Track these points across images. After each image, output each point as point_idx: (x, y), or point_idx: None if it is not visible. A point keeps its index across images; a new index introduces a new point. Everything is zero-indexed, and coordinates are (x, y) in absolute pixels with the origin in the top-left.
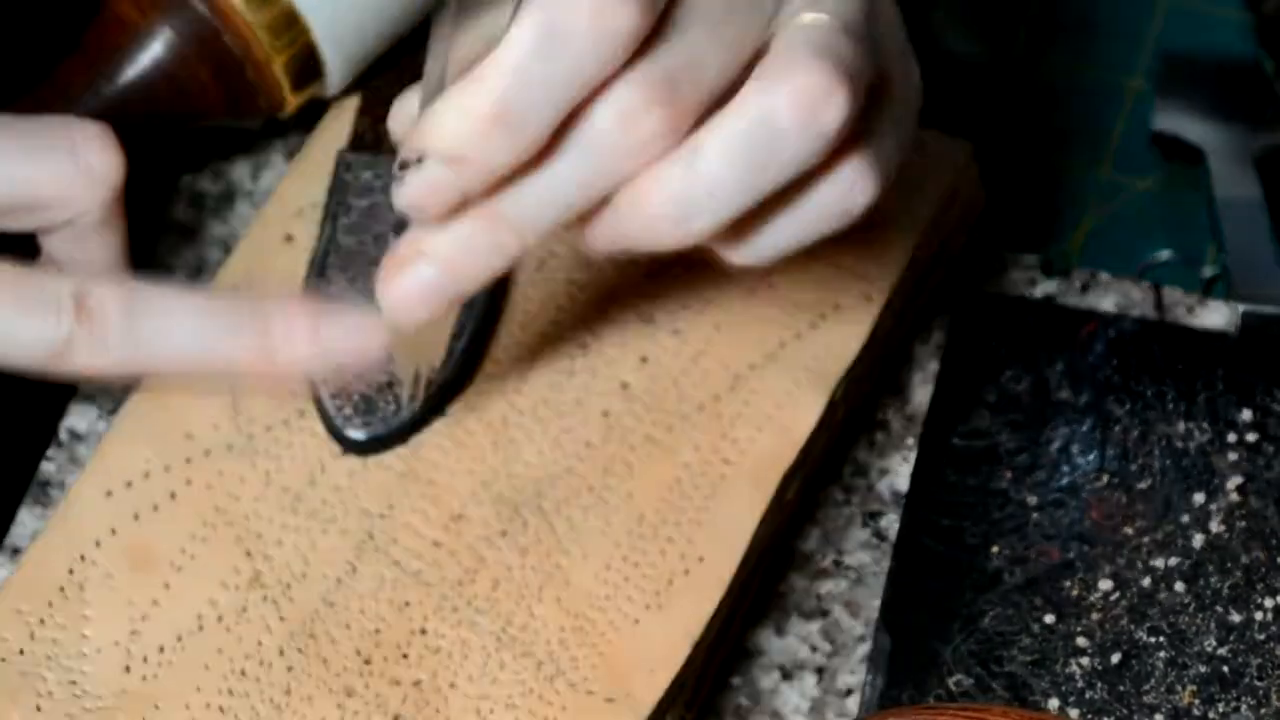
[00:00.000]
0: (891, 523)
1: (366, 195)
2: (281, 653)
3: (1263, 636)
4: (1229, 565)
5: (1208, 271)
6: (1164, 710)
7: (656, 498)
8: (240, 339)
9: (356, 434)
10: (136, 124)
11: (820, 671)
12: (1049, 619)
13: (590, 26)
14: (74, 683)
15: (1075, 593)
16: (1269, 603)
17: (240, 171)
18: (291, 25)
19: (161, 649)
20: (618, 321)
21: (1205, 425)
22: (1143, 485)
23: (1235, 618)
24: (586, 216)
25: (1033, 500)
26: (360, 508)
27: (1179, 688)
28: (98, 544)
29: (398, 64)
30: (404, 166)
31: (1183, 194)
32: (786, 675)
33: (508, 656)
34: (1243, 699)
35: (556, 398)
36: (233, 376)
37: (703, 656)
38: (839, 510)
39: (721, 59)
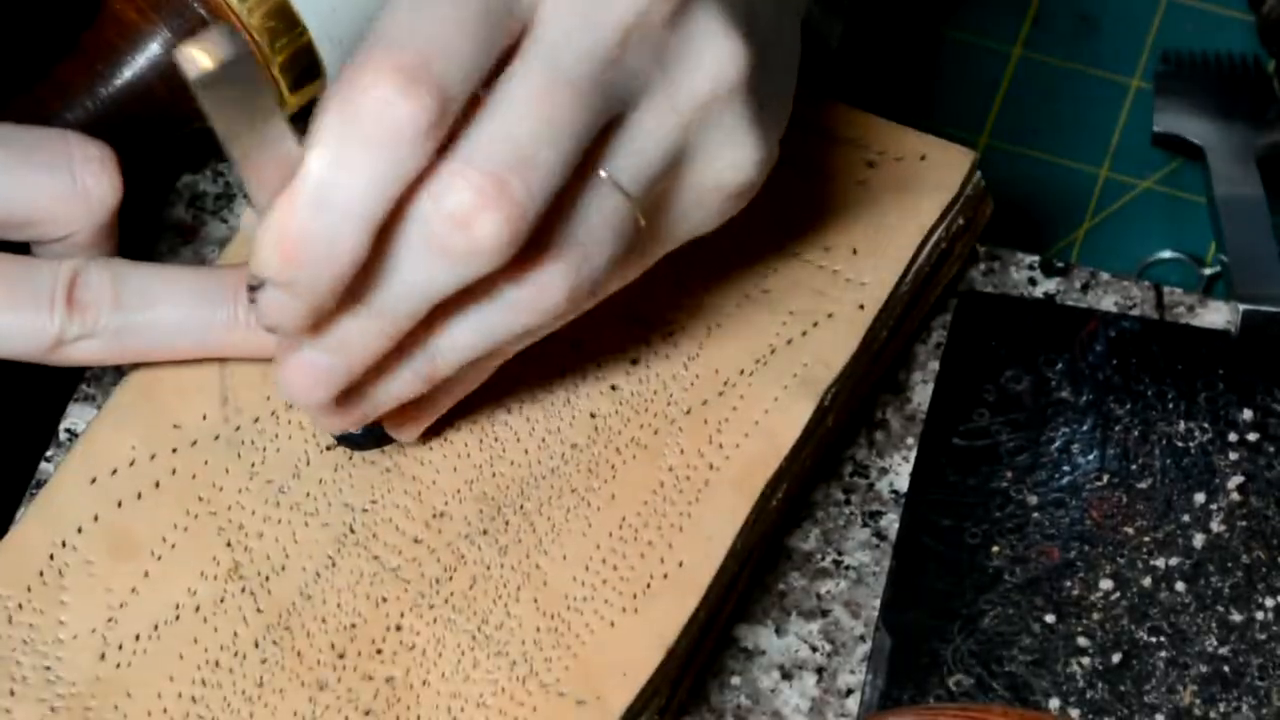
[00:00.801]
0: (891, 522)
1: None
2: (256, 644)
3: (1263, 636)
4: (1230, 565)
5: (1208, 271)
6: (1165, 710)
7: (639, 501)
8: (226, 320)
9: (352, 430)
10: (134, 124)
11: (820, 671)
12: (1049, 619)
13: (379, 125)
14: (48, 668)
15: (1076, 592)
16: (1270, 602)
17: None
18: (289, 26)
19: (137, 637)
20: (610, 322)
21: (1206, 425)
22: (1143, 485)
23: (1236, 617)
24: None
25: (1033, 500)
26: (343, 502)
27: (1180, 687)
28: (80, 530)
29: None
30: (251, 288)
31: (1183, 194)
32: (786, 675)
33: (481, 655)
34: (1243, 699)
35: (545, 398)
36: (227, 352)
37: (678, 662)
38: (839, 510)
39: (551, 164)
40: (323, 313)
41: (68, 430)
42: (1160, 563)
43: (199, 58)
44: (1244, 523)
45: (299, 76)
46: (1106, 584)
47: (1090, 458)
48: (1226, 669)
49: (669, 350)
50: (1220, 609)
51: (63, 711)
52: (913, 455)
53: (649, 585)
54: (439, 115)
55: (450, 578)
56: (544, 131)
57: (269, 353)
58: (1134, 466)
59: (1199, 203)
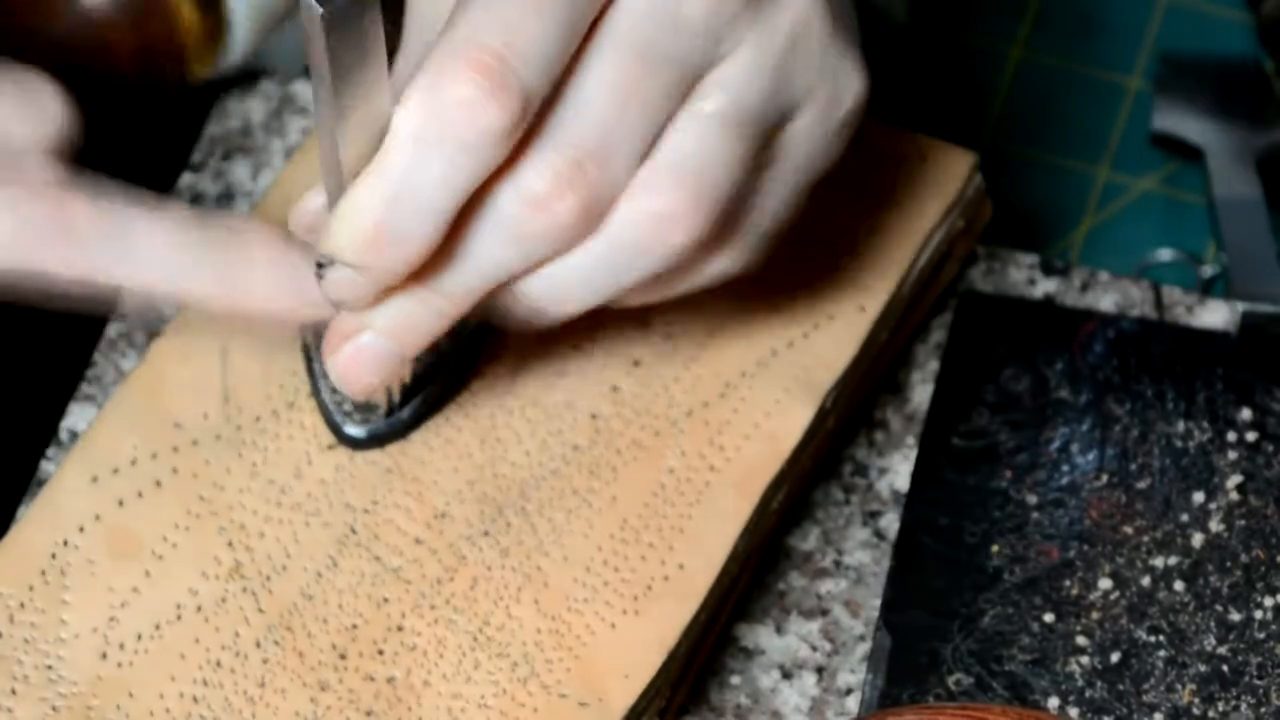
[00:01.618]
0: (891, 522)
1: None
2: (258, 644)
3: (1262, 635)
4: (1228, 564)
5: (1208, 271)
6: (1164, 709)
7: (640, 503)
8: (218, 274)
9: (355, 431)
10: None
11: (820, 671)
12: (1049, 618)
13: (462, 129)
14: (50, 667)
15: (1075, 592)
16: (1269, 601)
17: (240, 171)
18: None
19: (139, 637)
20: (612, 324)
21: (1205, 424)
22: (1142, 484)
23: (1235, 616)
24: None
25: (1032, 499)
26: (344, 502)
27: (1179, 686)
28: (81, 529)
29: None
30: (320, 265)
31: (1183, 194)
32: (786, 675)
33: (483, 656)
34: (1242, 698)
35: (546, 399)
36: (209, 304)
37: (679, 664)
38: (839, 510)
39: (630, 140)
40: (388, 290)
41: (68, 430)
42: (1159, 562)
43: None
44: (1243, 522)
45: (210, 36)
46: (1105, 583)
47: (1089, 457)
48: (1225, 668)
49: (670, 352)
50: (1219, 608)
51: (64, 711)
52: (912, 455)
53: (650, 587)
54: (521, 115)
55: (451, 578)
56: (624, 112)
57: (249, 316)
58: (1133, 466)
59: (1198, 203)
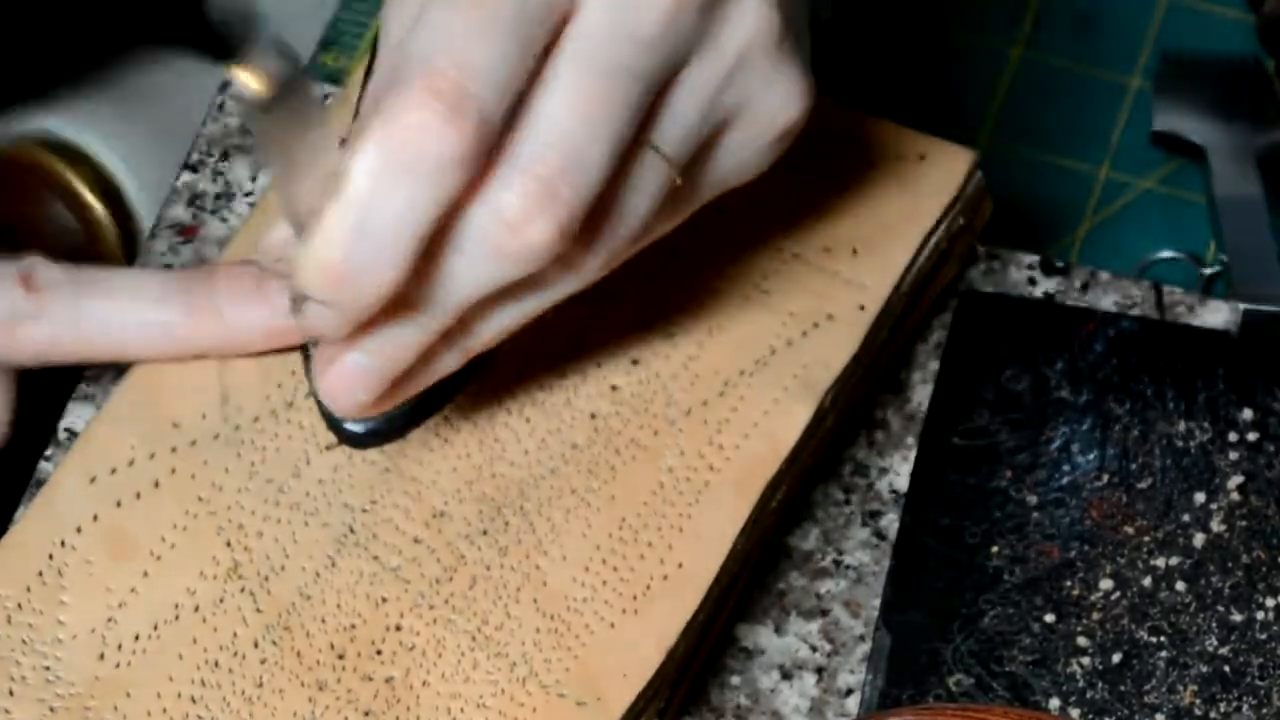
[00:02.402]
0: (891, 522)
1: None
2: (256, 644)
3: (1264, 636)
4: (1230, 564)
5: (1208, 270)
6: (1165, 710)
7: (639, 502)
8: (187, 307)
9: (354, 427)
10: None
11: (820, 671)
12: (1049, 618)
13: (420, 155)
14: (48, 668)
15: (1076, 592)
16: (1270, 602)
17: (240, 171)
18: None
19: (137, 637)
20: (611, 322)
21: (1206, 424)
22: (1143, 484)
23: (1236, 617)
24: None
25: (1033, 499)
26: (343, 502)
27: (1180, 687)
28: (79, 530)
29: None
30: (295, 300)
31: (1183, 193)
32: (786, 675)
33: (481, 656)
34: (1244, 699)
35: (545, 398)
36: (186, 352)
37: (678, 663)
38: (839, 510)
39: (599, 157)
40: (365, 320)
41: (67, 430)
42: (1160, 562)
43: (252, 81)
44: (1244, 522)
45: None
46: (1106, 584)
47: (1090, 457)
48: (1227, 669)
49: (669, 351)
50: (1220, 609)
51: (62, 712)
52: (912, 455)
53: (649, 586)
54: (481, 139)
55: (450, 578)
56: (591, 130)
57: (230, 351)
58: (1134, 466)
59: (1199, 202)
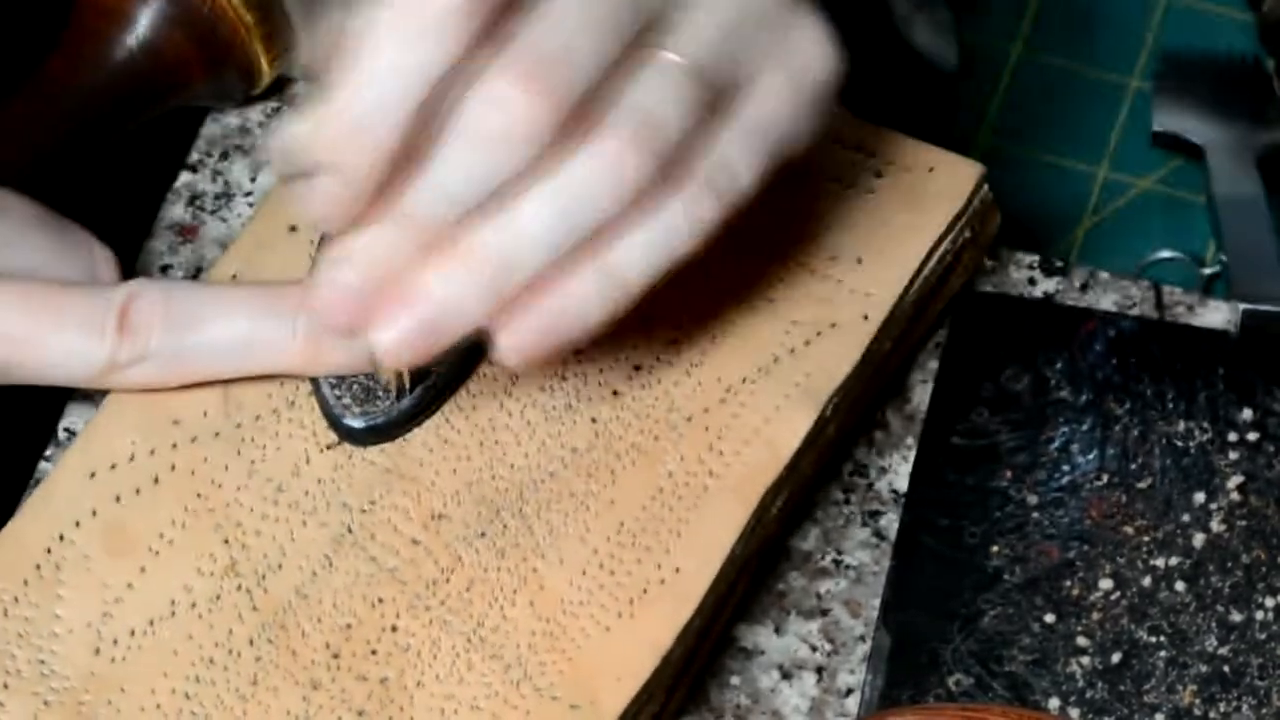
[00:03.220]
0: (891, 522)
1: None
2: (251, 642)
3: (1263, 636)
4: (1229, 564)
5: (1208, 270)
6: (1165, 710)
7: (638, 507)
8: (279, 330)
9: (354, 422)
10: (124, 105)
11: (820, 671)
12: (1049, 618)
13: (422, 6)
14: (43, 662)
15: (1075, 592)
16: (1270, 602)
17: (240, 171)
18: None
19: (132, 633)
20: (614, 327)
21: (1205, 424)
22: (1143, 484)
23: (1236, 617)
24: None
25: (1032, 499)
26: (341, 501)
27: (1180, 687)
28: (77, 524)
29: None
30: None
31: (1183, 193)
32: (786, 675)
33: (476, 658)
34: (1244, 699)
35: (547, 401)
36: (282, 370)
37: (673, 669)
38: (839, 510)
39: (594, 49)
40: (364, 202)
41: (67, 429)
42: (1160, 562)
43: None
44: (1244, 522)
45: (272, 39)
46: (1106, 583)
47: (1090, 457)
48: (1226, 669)
49: (672, 357)
50: (1220, 609)
51: (56, 706)
52: (912, 455)
53: (645, 591)
54: (481, 10)
55: (447, 580)
56: (587, 29)
57: (326, 370)
58: (1133, 466)
59: (1199, 202)
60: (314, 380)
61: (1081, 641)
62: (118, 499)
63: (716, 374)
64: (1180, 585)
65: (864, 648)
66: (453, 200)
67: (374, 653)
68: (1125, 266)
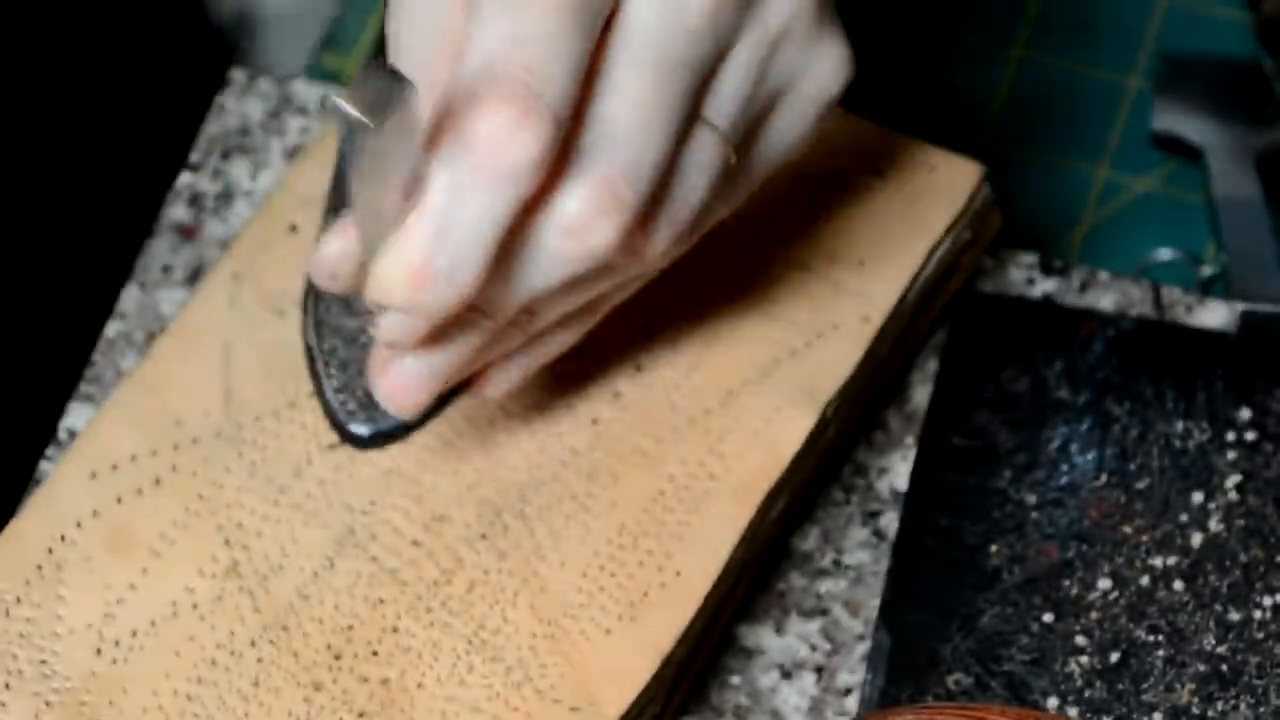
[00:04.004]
0: (891, 522)
1: None
2: (253, 643)
3: (1261, 635)
4: (1228, 564)
5: (1207, 271)
6: (1163, 708)
7: (639, 509)
8: None
9: (359, 429)
10: None
11: (820, 670)
12: (1048, 618)
13: (498, 161)
14: (44, 662)
15: (1074, 592)
16: (1268, 601)
17: (240, 171)
18: None
19: (134, 633)
20: (615, 329)
21: (1204, 424)
22: (1141, 484)
23: (1234, 616)
24: None
25: (1032, 499)
26: (343, 502)
27: (1178, 686)
28: (79, 525)
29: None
30: (371, 312)
31: (1182, 194)
32: (786, 674)
33: (477, 660)
34: (1241, 697)
35: (548, 403)
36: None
37: (674, 671)
38: (839, 510)
39: (657, 154)
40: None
41: (67, 430)
42: (1158, 562)
43: (351, 105)
44: (1242, 522)
45: None
46: (1105, 583)
47: (1089, 457)
48: (1224, 668)
49: (673, 358)
50: (1218, 608)
51: (57, 706)
52: (912, 455)
53: (646, 594)
54: (553, 139)
55: (448, 581)
56: (648, 126)
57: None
58: (1132, 466)
59: (1198, 203)
60: (318, 386)
61: (1080, 641)
62: (119, 499)
63: (717, 376)
64: (1178, 585)
65: (864, 647)
66: (528, 303)
67: (375, 654)
68: (1125, 267)
